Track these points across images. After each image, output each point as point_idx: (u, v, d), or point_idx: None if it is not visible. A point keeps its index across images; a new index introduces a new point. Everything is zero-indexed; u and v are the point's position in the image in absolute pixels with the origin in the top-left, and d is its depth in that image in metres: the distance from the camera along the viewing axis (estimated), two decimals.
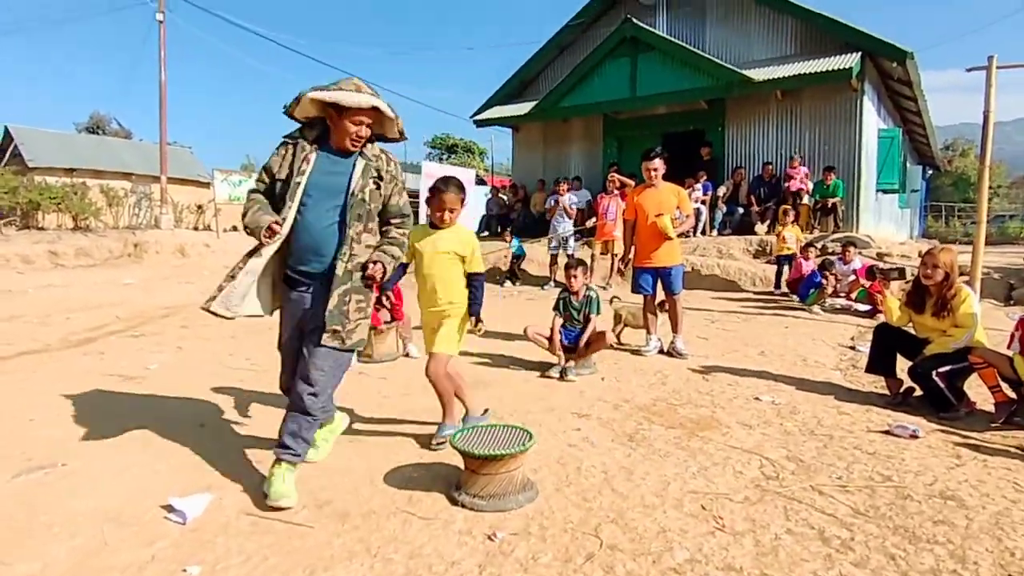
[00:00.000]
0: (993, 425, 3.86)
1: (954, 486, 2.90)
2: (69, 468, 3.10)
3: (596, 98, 14.12)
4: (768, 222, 12.14)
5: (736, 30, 13.62)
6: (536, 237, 13.19)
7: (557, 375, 4.94)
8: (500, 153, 30.98)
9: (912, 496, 2.79)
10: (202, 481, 2.95)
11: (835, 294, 8.80)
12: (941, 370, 4.06)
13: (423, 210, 15.28)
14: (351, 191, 2.81)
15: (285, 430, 2.82)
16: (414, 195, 26.96)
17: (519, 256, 12.01)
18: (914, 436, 3.56)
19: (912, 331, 4.49)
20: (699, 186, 12.62)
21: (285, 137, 2.90)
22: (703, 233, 12.69)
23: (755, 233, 12.10)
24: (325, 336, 2.74)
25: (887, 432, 3.67)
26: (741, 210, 12.80)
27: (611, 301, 6.54)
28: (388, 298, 4.89)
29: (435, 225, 3.48)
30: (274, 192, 2.87)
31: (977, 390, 4.23)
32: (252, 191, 2.94)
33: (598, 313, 5.19)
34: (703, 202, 12.63)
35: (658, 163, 5.79)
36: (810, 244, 9.81)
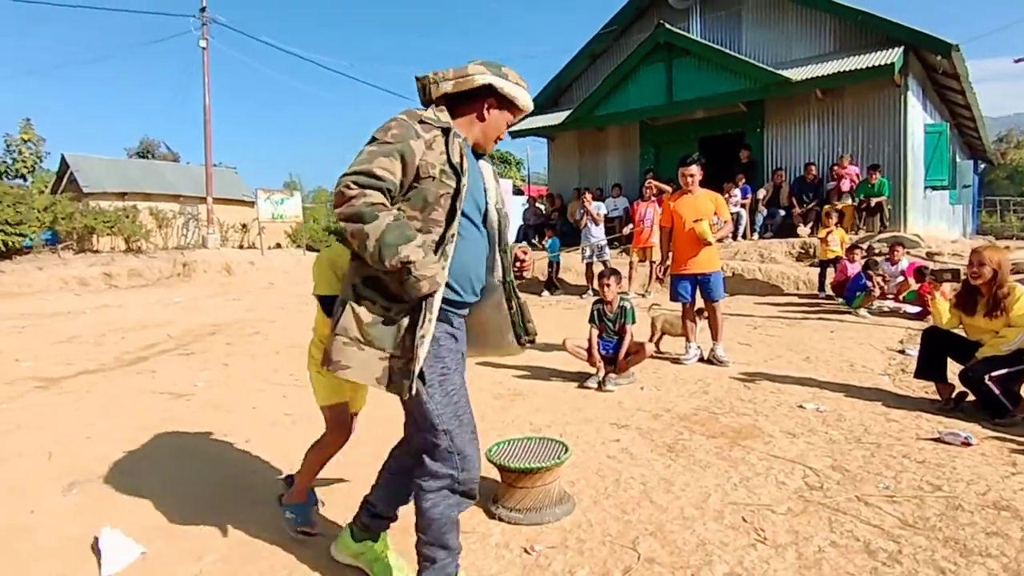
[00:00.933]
0: None
1: (1008, 495, 2.79)
2: (122, 483, 3.22)
3: (631, 105, 14.06)
4: (811, 224, 11.87)
5: (773, 30, 13.41)
6: (573, 246, 13.17)
7: (595, 385, 4.93)
8: (537, 162, 31.06)
9: (963, 506, 2.70)
10: (248, 495, 3.04)
11: (883, 296, 8.55)
12: (995, 374, 3.91)
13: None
14: (497, 200, 2.26)
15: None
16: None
17: (556, 263, 12.02)
18: (966, 443, 3.44)
19: (963, 334, 4.34)
20: (738, 190, 12.44)
21: (425, 116, 1.98)
22: (744, 237, 12.49)
23: (798, 235, 11.84)
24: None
25: (938, 440, 3.55)
26: (783, 212, 12.56)
27: (650, 308, 6.49)
28: None
29: None
30: (408, 195, 1.95)
31: None
32: (371, 198, 1.82)
33: (633, 322, 5.15)
34: (743, 205, 12.44)
35: (695, 169, 5.76)
36: (855, 246, 9.54)
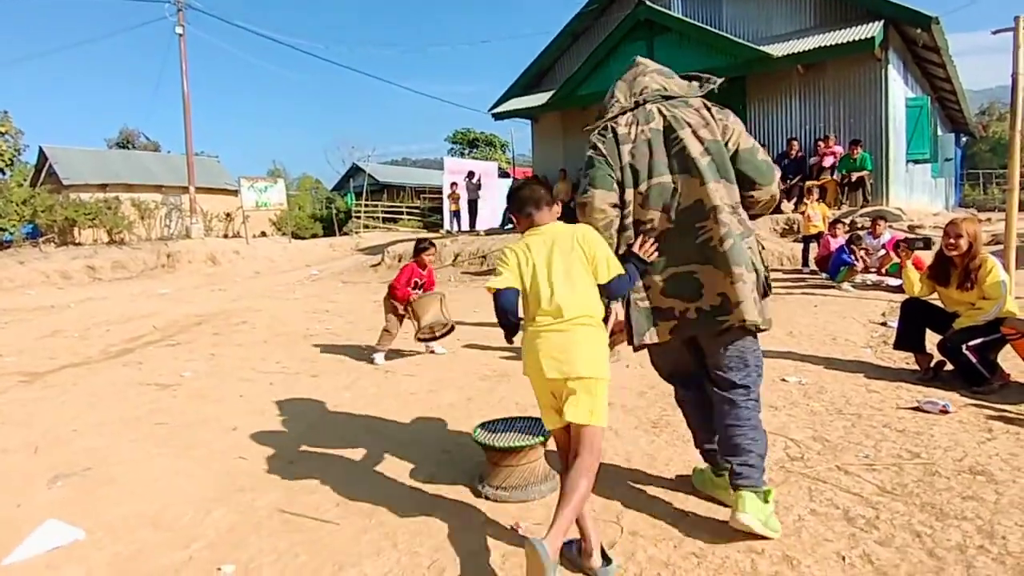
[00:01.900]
0: None
1: (984, 460, 2.85)
2: (109, 475, 3.22)
3: (613, 83, 13.98)
4: (794, 200, 11.93)
5: (753, 6, 13.37)
6: None
7: None
8: (522, 144, 30.97)
9: (940, 472, 2.75)
10: (235, 483, 3.05)
11: (866, 270, 8.64)
12: (972, 343, 3.97)
13: (446, 205, 15.44)
14: None
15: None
16: (436, 191, 27.15)
17: None
18: (944, 411, 3.51)
19: (941, 304, 4.40)
20: None
21: None
22: None
23: (781, 211, 11.90)
24: None
25: (917, 408, 3.61)
26: None
27: None
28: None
29: None
30: None
31: (1013, 362, 4.14)
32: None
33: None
34: None
35: None
36: (838, 220, 9.61)
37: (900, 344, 4.46)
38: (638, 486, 2.78)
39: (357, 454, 3.37)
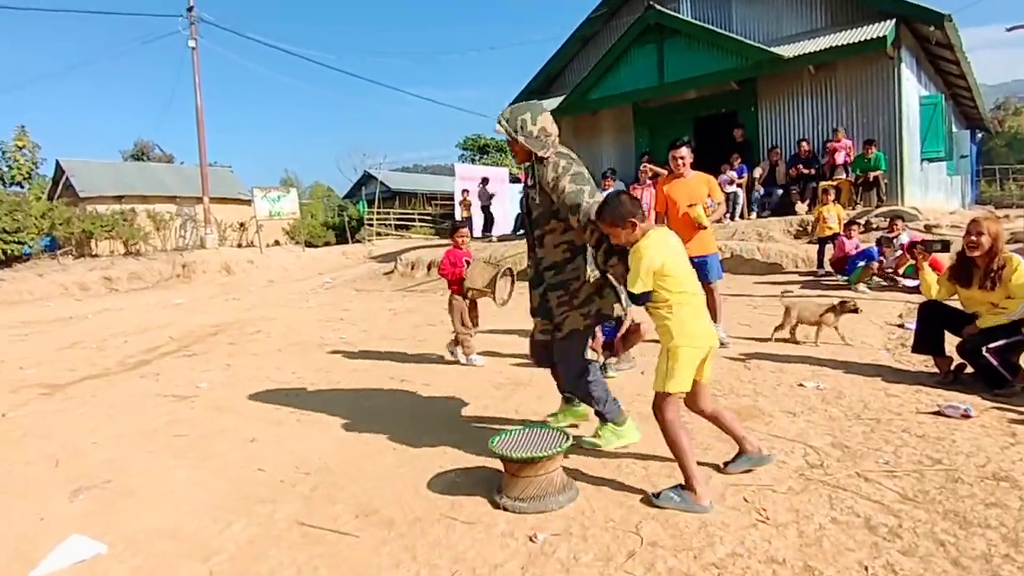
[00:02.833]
0: None
1: (1008, 466, 2.81)
2: (129, 488, 3.25)
3: (624, 88, 14.01)
4: (808, 201, 11.86)
5: (763, 7, 13.33)
6: None
7: None
8: None
9: (963, 479, 2.72)
10: (254, 494, 3.06)
11: (882, 271, 8.56)
12: (992, 345, 3.93)
13: (458, 212, 15.50)
14: (525, 203, 3.33)
15: None
16: (448, 198, 27.20)
17: None
18: (966, 416, 3.46)
19: (959, 306, 4.35)
20: (733, 171, 12.41)
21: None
22: (741, 216, 12.47)
23: (795, 213, 11.83)
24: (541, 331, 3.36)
25: (937, 413, 3.57)
26: (779, 191, 12.54)
27: (782, 295, 6.34)
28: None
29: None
30: None
31: None
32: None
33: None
34: (739, 185, 12.42)
35: (685, 152, 5.73)
36: (853, 221, 9.53)
37: (918, 347, 4.42)
38: (661, 511, 2.77)
39: (374, 465, 3.37)
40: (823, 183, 11.38)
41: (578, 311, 3.20)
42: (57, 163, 27.42)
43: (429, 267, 13.34)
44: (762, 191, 12.66)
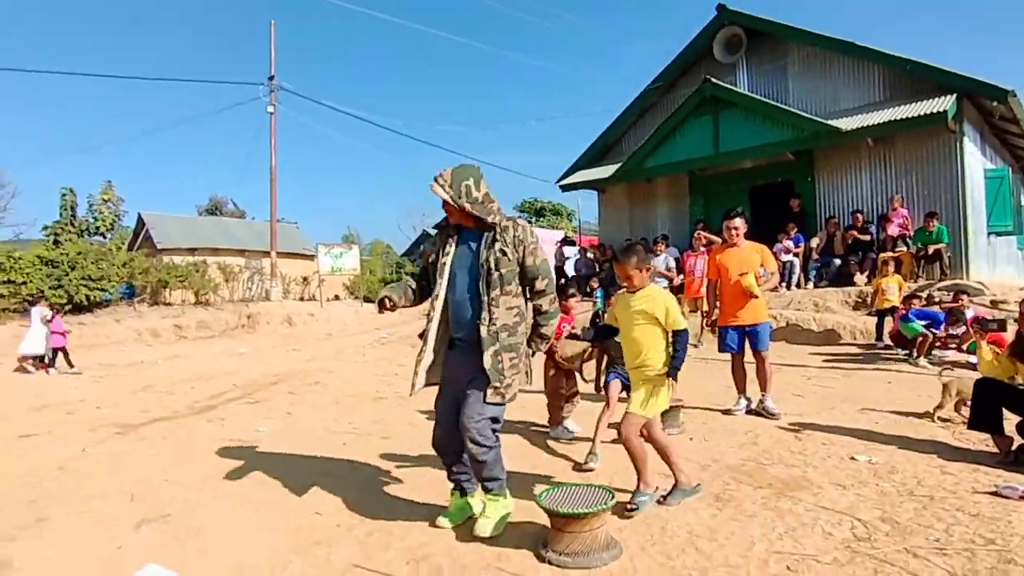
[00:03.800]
0: None
1: None
2: (198, 527, 3.47)
3: (679, 156, 14.28)
4: (867, 272, 11.68)
5: (820, 81, 13.52)
6: None
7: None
8: (588, 213, 31.59)
9: (1016, 560, 2.67)
10: (311, 537, 3.23)
11: (945, 346, 8.34)
12: None
13: None
14: (480, 263, 3.17)
15: (453, 473, 3.42)
16: None
17: (601, 312, 12.12)
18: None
19: (1021, 384, 4.27)
20: (790, 240, 12.38)
21: (435, 227, 3.49)
22: (798, 286, 12.35)
23: (854, 284, 11.66)
24: (489, 392, 3.09)
25: (994, 493, 3.49)
26: (837, 261, 12.40)
27: (940, 373, 5.86)
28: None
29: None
30: (428, 274, 3.46)
31: None
32: (411, 274, 3.58)
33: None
34: (796, 254, 12.35)
35: (739, 222, 5.87)
36: (914, 294, 9.35)
37: (974, 424, 4.33)
38: (699, 559, 2.81)
39: (426, 513, 3.50)
40: (883, 255, 11.22)
41: (522, 375, 3.22)
42: (139, 216, 29.33)
43: None
44: (819, 261, 12.55)
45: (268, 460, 4.80)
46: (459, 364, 3.23)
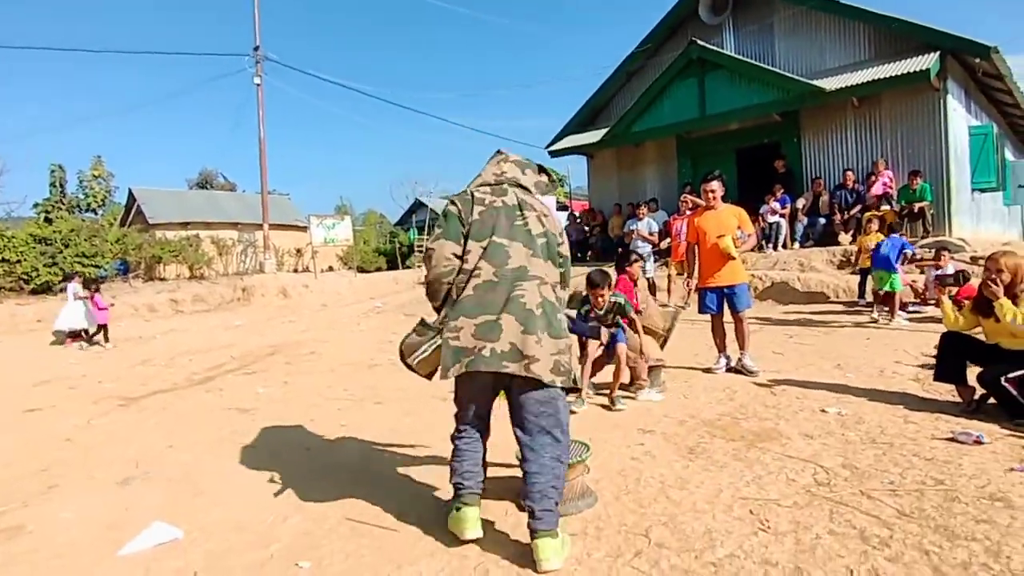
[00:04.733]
0: None
1: (1007, 488, 2.96)
2: (201, 487, 3.68)
3: (666, 120, 14.32)
4: (852, 231, 11.85)
5: (806, 41, 13.51)
6: (610, 261, 13.41)
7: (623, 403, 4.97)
8: (578, 177, 31.70)
9: (960, 498, 2.89)
10: (308, 496, 3.44)
11: (923, 302, 8.56)
12: (1011, 375, 4.04)
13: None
14: None
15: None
16: None
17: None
18: (978, 442, 3.60)
19: (983, 337, 4.47)
20: (776, 201, 12.52)
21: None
22: (784, 247, 12.54)
23: (839, 244, 11.84)
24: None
25: (951, 439, 3.71)
26: (823, 221, 12.56)
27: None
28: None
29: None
30: None
31: None
32: None
33: (626, 315, 5.08)
34: (782, 215, 12.51)
35: (715, 185, 5.99)
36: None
37: (939, 376, 4.54)
38: (669, 506, 3.02)
39: (414, 472, 3.71)
40: (867, 214, 11.38)
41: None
42: (130, 191, 29.24)
43: None
44: (806, 221, 12.71)
45: (265, 425, 5.00)
46: None
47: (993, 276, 4.20)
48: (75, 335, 11.09)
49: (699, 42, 13.48)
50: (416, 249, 26.46)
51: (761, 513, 2.88)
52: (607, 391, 5.07)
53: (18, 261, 14.45)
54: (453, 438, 2.93)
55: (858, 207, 11.96)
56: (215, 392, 6.53)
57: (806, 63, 13.33)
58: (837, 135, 12.99)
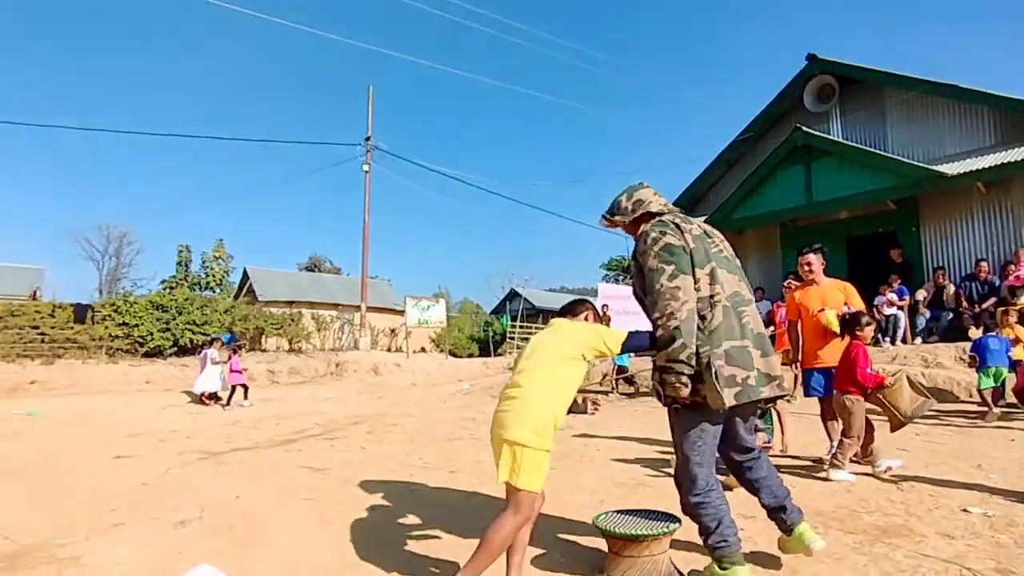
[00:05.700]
0: None
1: None
2: (262, 536, 3.48)
3: (769, 207, 13.83)
4: (983, 327, 10.69)
5: (921, 127, 12.86)
6: None
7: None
8: None
9: None
10: (367, 553, 3.16)
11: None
12: None
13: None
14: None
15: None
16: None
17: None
18: None
19: None
20: (893, 292, 11.58)
21: None
22: (904, 341, 11.47)
23: (968, 339, 10.69)
24: None
25: None
26: (949, 314, 11.45)
27: None
28: None
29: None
30: None
31: None
32: None
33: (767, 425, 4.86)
34: (900, 307, 11.52)
35: (812, 257, 5.55)
36: None
37: None
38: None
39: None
40: (1002, 307, 10.27)
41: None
42: (244, 270, 31.32)
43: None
44: (928, 315, 11.64)
45: (336, 484, 4.81)
46: None
47: None
48: (212, 396, 11.80)
49: (804, 128, 13.12)
50: (508, 335, 26.44)
51: None
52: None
53: (136, 325, 15.47)
54: (708, 490, 2.60)
55: (992, 299, 10.84)
56: (293, 452, 6.45)
57: (922, 150, 12.63)
58: (962, 223, 12.03)
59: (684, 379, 2.46)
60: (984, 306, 10.87)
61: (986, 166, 11.01)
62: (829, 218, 13.61)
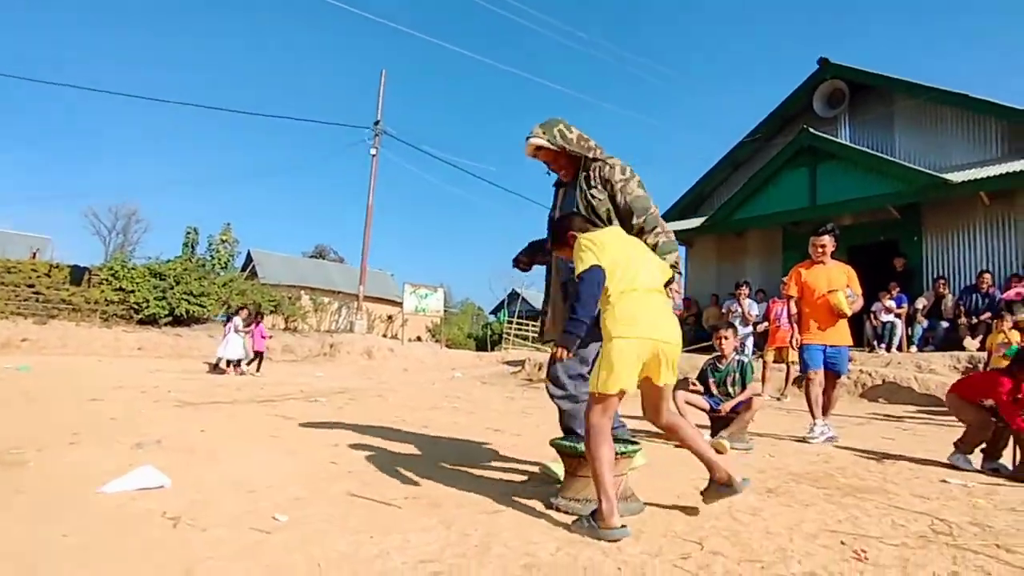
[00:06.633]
0: None
1: None
2: (215, 455, 3.39)
3: (772, 208, 13.71)
4: (980, 337, 10.56)
5: (929, 136, 12.75)
6: (703, 352, 12.59)
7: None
8: None
9: None
10: (318, 475, 3.07)
11: None
12: None
13: None
14: (577, 209, 2.90)
15: None
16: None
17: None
18: None
19: None
20: (891, 300, 11.45)
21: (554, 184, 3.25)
22: (899, 349, 11.33)
23: (964, 349, 10.56)
24: None
25: None
26: (946, 324, 11.31)
27: None
28: None
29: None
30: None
31: None
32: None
33: (749, 381, 4.78)
34: (897, 315, 11.39)
35: (827, 239, 5.51)
36: None
37: None
38: (733, 523, 2.42)
39: (442, 474, 3.27)
40: (999, 319, 10.13)
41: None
42: (248, 252, 31.29)
43: None
44: (926, 324, 11.50)
45: (304, 429, 4.73)
46: None
47: None
48: (234, 364, 12.01)
49: (811, 129, 13.02)
50: (505, 332, 26.32)
51: (856, 545, 2.23)
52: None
53: (132, 291, 15.42)
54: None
55: (987, 314, 10.70)
56: (269, 407, 6.35)
57: (929, 159, 12.51)
58: (964, 234, 11.90)
59: None
60: (981, 318, 10.74)
61: (990, 175, 10.89)
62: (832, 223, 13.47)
